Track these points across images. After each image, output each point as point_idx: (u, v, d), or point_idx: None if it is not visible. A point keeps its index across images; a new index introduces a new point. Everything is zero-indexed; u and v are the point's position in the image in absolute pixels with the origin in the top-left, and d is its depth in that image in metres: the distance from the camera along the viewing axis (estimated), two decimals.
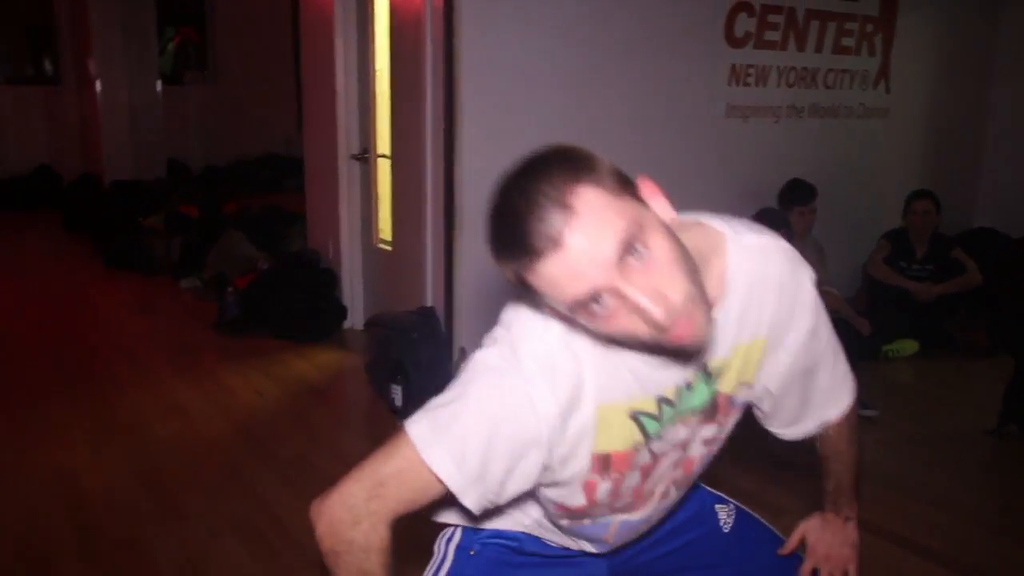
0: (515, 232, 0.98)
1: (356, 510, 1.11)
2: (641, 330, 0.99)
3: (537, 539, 1.41)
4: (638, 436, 1.18)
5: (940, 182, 5.68)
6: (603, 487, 1.21)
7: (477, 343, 3.82)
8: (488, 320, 4.13)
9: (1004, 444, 3.68)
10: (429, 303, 4.25)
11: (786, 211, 4.64)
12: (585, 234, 0.95)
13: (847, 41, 5.37)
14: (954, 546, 2.83)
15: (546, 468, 1.14)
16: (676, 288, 0.97)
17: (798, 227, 4.68)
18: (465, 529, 1.43)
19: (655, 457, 1.23)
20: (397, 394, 3.83)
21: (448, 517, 1.41)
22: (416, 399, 3.87)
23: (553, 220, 0.95)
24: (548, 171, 1.00)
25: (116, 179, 8.88)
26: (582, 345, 1.11)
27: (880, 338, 4.79)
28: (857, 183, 5.69)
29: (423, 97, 4.13)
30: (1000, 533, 2.98)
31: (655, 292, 0.96)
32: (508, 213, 1.00)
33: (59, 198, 9.50)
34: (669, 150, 4.66)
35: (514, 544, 1.42)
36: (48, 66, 10.44)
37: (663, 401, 1.18)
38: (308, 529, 2.79)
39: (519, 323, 1.14)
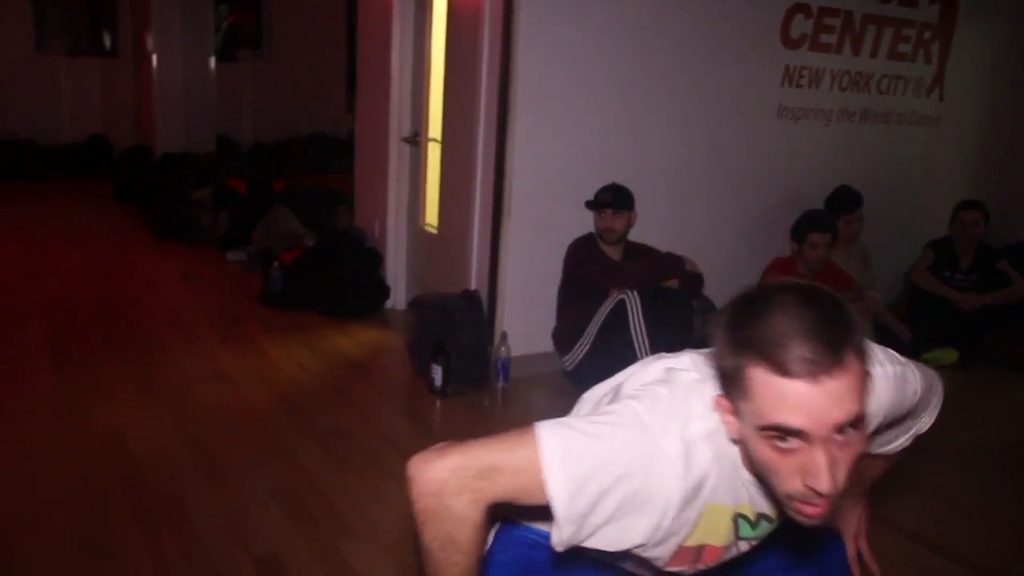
0: (778, 343, 1.02)
1: (463, 482, 1.13)
2: (793, 484, 1.06)
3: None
4: (732, 535, 1.25)
5: (989, 193, 5.62)
6: (688, 572, 1.28)
7: (519, 328, 3.89)
8: (531, 306, 4.21)
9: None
10: (473, 287, 4.31)
11: (833, 218, 4.63)
12: (838, 390, 1.00)
13: (903, 47, 5.33)
14: (983, 554, 2.83)
15: (640, 546, 1.18)
16: (843, 478, 1.05)
17: (844, 233, 4.67)
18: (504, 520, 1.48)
19: (740, 551, 1.31)
20: (437, 374, 3.89)
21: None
22: (455, 379, 3.93)
23: (821, 359, 1.00)
24: (835, 316, 1.04)
25: (167, 151, 9.04)
26: (721, 447, 1.16)
27: (920, 346, 4.78)
28: (905, 190, 5.66)
29: (478, 83, 4.18)
30: (998, 523, 2.98)
31: (832, 468, 1.02)
32: (779, 323, 1.03)
33: (111, 168, 9.70)
34: (718, 147, 4.68)
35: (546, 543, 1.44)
36: (106, 39, 10.63)
37: (763, 517, 1.25)
38: (347, 498, 2.88)
39: (683, 397, 1.17)
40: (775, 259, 4.52)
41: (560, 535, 1.14)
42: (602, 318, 3.86)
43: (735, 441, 1.14)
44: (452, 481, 1.12)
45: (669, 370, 1.22)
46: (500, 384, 4.01)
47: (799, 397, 1.00)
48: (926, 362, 4.68)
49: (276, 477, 3.11)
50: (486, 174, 4.19)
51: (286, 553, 2.61)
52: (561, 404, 3.99)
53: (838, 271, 4.50)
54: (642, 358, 3.89)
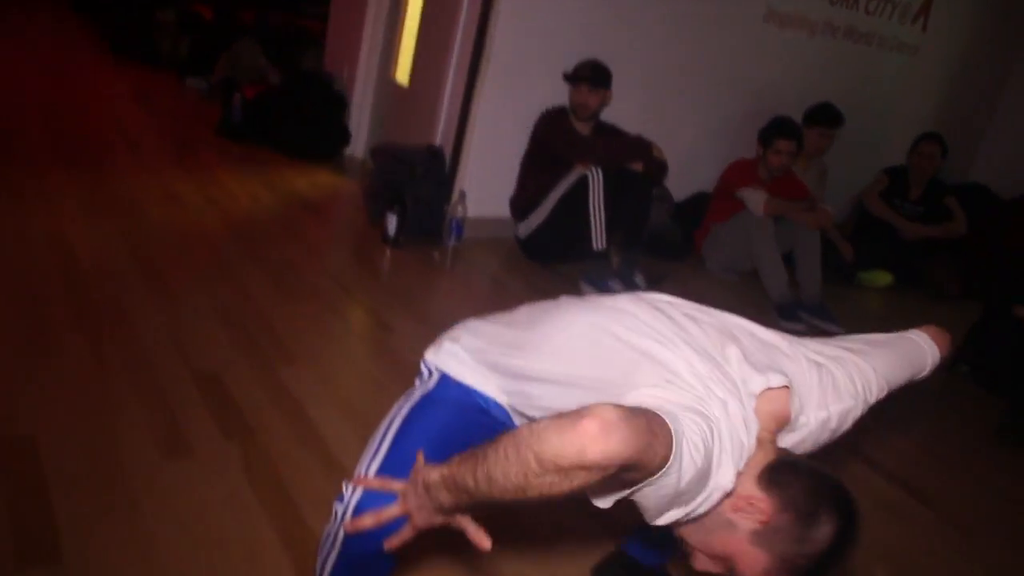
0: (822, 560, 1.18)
1: (612, 466, 1.01)
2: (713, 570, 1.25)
3: (507, 415, 1.47)
4: None
5: (950, 131, 5.69)
6: None
7: (478, 190, 3.92)
8: (493, 170, 4.25)
9: (953, 380, 3.86)
10: (438, 143, 4.28)
11: (807, 128, 4.66)
12: None
13: None
14: (898, 462, 3.00)
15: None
16: None
17: (813, 147, 4.73)
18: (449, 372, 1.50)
19: None
20: (392, 223, 3.90)
21: (461, 371, 1.48)
22: (408, 231, 3.95)
23: None
24: None
25: None
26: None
27: (859, 265, 4.93)
28: (871, 113, 5.72)
29: None
30: (934, 454, 3.16)
31: None
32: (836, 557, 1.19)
33: None
34: (701, 40, 4.66)
35: (483, 404, 1.47)
36: None
37: None
38: (290, 328, 2.94)
39: (727, 450, 1.17)
40: (737, 160, 4.57)
41: (607, 503, 1.16)
42: (562, 191, 3.89)
43: (732, 511, 1.21)
44: (616, 467, 1.00)
45: (730, 421, 1.20)
46: (452, 242, 4.04)
47: None
48: (861, 280, 4.88)
49: (221, 300, 3.12)
50: (467, 32, 4.11)
51: (227, 373, 2.64)
52: (510, 270, 4.08)
53: (796, 181, 4.57)
54: (596, 236, 3.95)
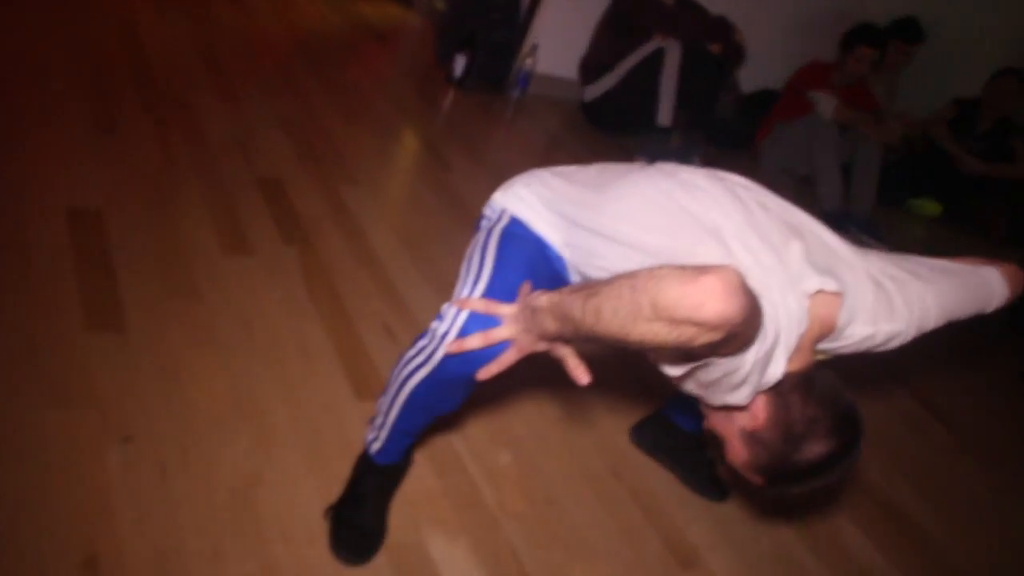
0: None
1: (723, 328, 0.98)
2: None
3: (565, 267, 1.46)
4: None
5: None
6: None
7: (552, 46, 3.82)
8: (570, 27, 4.11)
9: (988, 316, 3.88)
10: None
11: (887, 40, 4.52)
12: None
13: None
14: (925, 383, 3.05)
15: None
16: None
17: (890, 60, 4.59)
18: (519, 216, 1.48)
19: None
20: (459, 64, 3.84)
21: (532, 218, 1.45)
22: (475, 75, 3.89)
23: None
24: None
25: None
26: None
27: (910, 190, 4.87)
28: (955, 39, 5.50)
29: None
30: (961, 383, 3.21)
31: None
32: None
33: None
34: None
35: (550, 253, 1.45)
36: None
37: None
38: (352, 148, 2.92)
39: (789, 350, 1.18)
40: (813, 60, 4.45)
41: (679, 370, 1.18)
42: (636, 60, 3.80)
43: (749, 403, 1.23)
44: (725, 331, 0.98)
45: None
46: (516, 93, 3.99)
47: None
48: (911, 207, 4.79)
49: (285, 109, 3.11)
50: None
51: (289, 182, 2.65)
52: (569, 132, 4.04)
53: (869, 92, 4.47)
54: (664, 111, 3.87)
